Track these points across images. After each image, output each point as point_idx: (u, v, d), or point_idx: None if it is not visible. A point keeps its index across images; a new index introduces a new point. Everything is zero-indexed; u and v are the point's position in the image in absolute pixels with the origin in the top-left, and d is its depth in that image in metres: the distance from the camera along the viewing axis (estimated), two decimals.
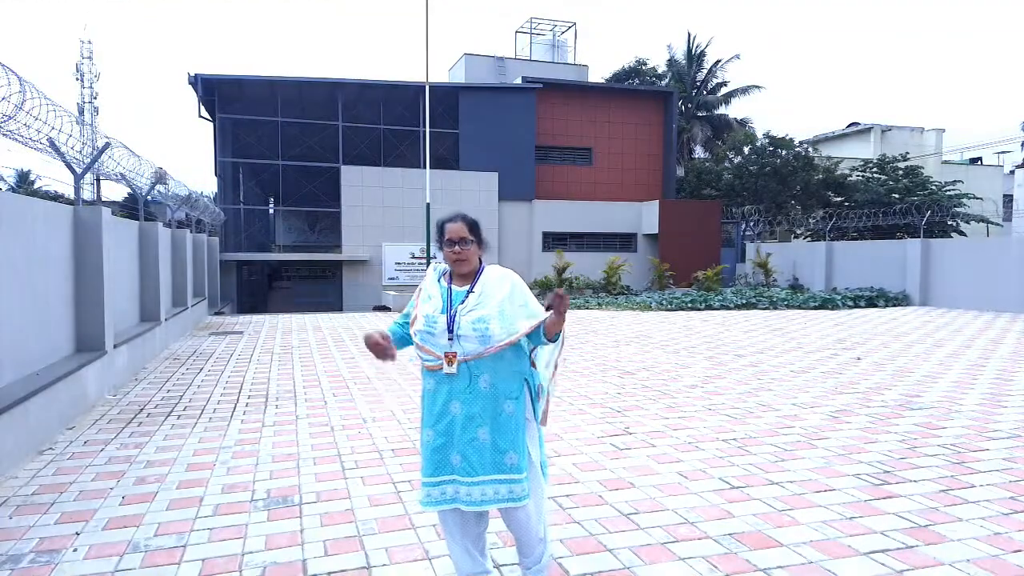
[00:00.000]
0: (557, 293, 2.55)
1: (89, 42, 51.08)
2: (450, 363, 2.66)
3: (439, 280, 2.85)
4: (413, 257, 23.23)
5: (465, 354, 2.65)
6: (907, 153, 29.52)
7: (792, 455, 4.89)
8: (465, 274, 2.81)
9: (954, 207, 26.95)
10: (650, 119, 27.08)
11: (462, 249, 2.76)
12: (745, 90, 35.74)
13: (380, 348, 2.73)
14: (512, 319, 2.68)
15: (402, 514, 3.78)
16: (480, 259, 2.85)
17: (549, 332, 2.66)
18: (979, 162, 40.49)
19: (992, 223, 26.56)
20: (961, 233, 27.69)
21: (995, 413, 6.14)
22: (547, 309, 2.65)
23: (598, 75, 41.18)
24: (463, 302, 2.71)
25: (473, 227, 2.81)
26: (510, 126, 24.45)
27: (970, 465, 4.65)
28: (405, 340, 2.88)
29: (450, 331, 2.67)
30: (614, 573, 3.13)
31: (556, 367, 2.84)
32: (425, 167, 19.04)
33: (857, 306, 17.35)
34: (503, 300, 2.70)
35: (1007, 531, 3.57)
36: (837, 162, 29.84)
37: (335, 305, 22.82)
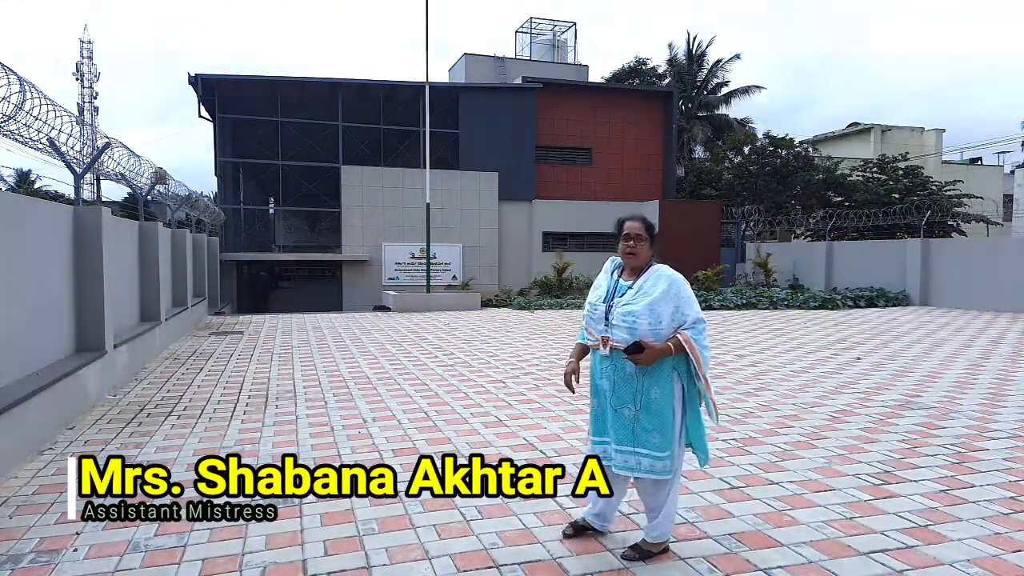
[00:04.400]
0: (638, 351, 2.99)
1: (89, 42, 50.98)
2: (604, 345, 3.12)
3: (612, 272, 3.27)
4: (413, 257, 23.22)
5: (616, 341, 3.07)
6: (907, 153, 29.51)
7: (792, 455, 4.89)
8: (634, 268, 3.19)
9: (954, 207, 26.94)
10: (650, 119, 27.06)
11: (636, 244, 3.14)
12: (745, 90, 35.75)
13: (573, 380, 3.34)
14: (660, 316, 3.03)
15: (402, 514, 3.78)
16: (652, 259, 3.20)
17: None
18: (979, 162, 40.49)
19: (992, 223, 26.53)
20: (961, 233, 27.67)
21: (995, 413, 6.14)
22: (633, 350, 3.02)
23: (598, 75, 41.19)
24: (623, 295, 3.13)
25: (649, 228, 3.18)
26: (510, 126, 24.43)
27: (970, 465, 4.65)
28: None
29: (606, 319, 3.11)
30: (614, 573, 3.13)
31: (705, 378, 3.10)
32: (425, 167, 19.04)
33: (857, 306, 17.34)
34: (655, 299, 3.04)
35: (1007, 531, 3.57)
36: (837, 162, 29.82)
37: (335, 305, 22.81)
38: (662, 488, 3.13)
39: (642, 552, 3.21)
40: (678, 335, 3.01)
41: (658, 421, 3.04)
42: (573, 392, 3.36)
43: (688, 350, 3.00)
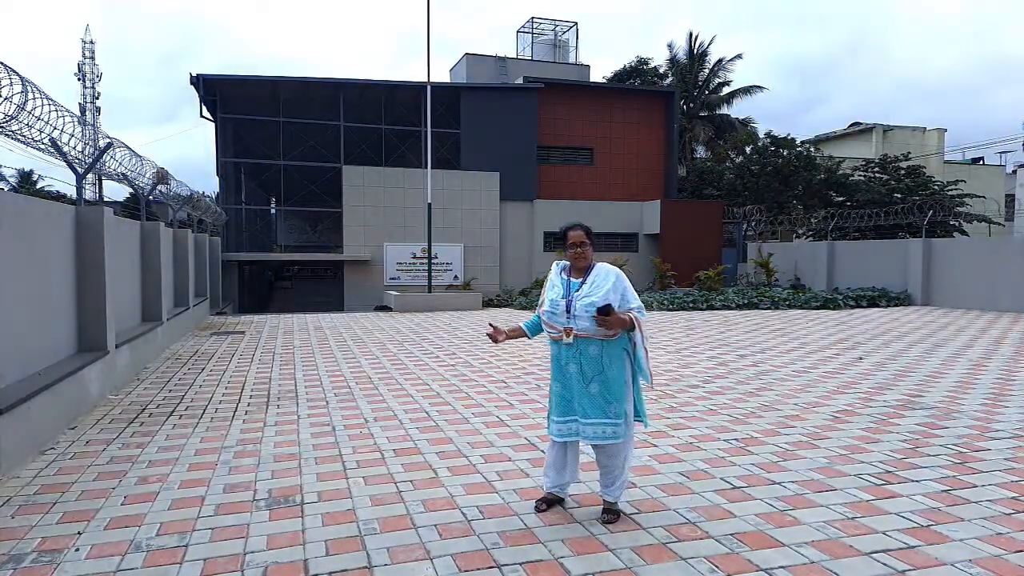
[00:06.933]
0: (607, 313, 3.44)
1: (91, 42, 50.99)
2: (568, 335, 3.58)
3: (560, 273, 3.77)
4: (415, 257, 23.21)
5: (579, 330, 3.55)
6: (909, 153, 29.47)
7: (794, 455, 4.88)
8: (581, 268, 3.70)
9: (956, 207, 26.89)
10: (652, 119, 27.03)
11: (582, 250, 3.67)
12: (747, 90, 35.71)
13: (493, 337, 3.88)
14: (614, 305, 3.51)
15: (403, 514, 3.78)
16: (592, 257, 3.72)
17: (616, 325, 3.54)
18: (981, 162, 40.43)
19: (994, 223, 26.50)
20: (963, 233, 27.64)
21: (997, 413, 6.13)
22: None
23: (600, 75, 41.16)
24: (579, 290, 3.62)
25: (588, 233, 3.71)
26: (511, 126, 24.41)
27: (972, 465, 4.65)
28: (538, 327, 3.87)
29: (568, 311, 3.58)
30: (616, 573, 3.13)
31: (645, 349, 3.66)
32: (427, 167, 19.04)
33: (859, 306, 17.32)
34: (608, 290, 3.56)
35: (1009, 531, 3.56)
36: (839, 162, 29.79)
37: (336, 305, 22.81)
38: (619, 450, 3.64)
39: (613, 512, 3.69)
40: (630, 312, 3.57)
41: (616, 393, 3.58)
42: (487, 331, 3.98)
43: (636, 325, 3.57)
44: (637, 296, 3.66)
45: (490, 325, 4.04)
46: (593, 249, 3.72)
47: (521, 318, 14.95)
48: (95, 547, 3.37)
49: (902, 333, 12.03)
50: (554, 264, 3.86)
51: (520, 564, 3.19)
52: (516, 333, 3.97)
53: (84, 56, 50.18)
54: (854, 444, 5.15)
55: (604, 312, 3.43)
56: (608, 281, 3.59)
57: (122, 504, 3.94)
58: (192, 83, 21.70)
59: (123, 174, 9.09)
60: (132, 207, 15.03)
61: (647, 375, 3.67)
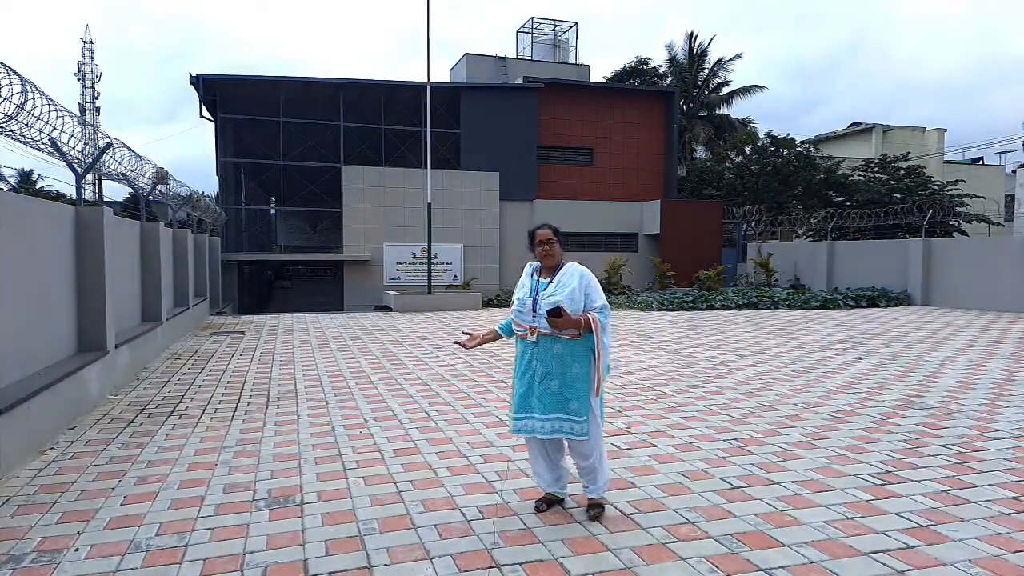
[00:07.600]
0: (557, 315, 3.49)
1: (91, 42, 51.02)
2: (532, 334, 3.65)
3: (531, 274, 3.83)
4: (414, 257, 23.20)
5: (543, 328, 3.60)
6: (908, 153, 29.46)
7: (793, 455, 4.88)
8: (550, 268, 3.75)
9: (955, 207, 26.88)
10: (651, 119, 27.02)
11: (550, 247, 3.73)
12: (747, 90, 35.70)
13: (464, 344, 4.00)
14: (579, 304, 3.60)
15: (403, 514, 3.78)
16: (562, 257, 3.77)
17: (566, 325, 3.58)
18: (981, 162, 40.43)
19: (994, 223, 26.48)
20: (963, 233, 27.63)
21: (996, 413, 6.13)
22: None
23: (600, 75, 41.13)
24: (545, 289, 3.67)
25: (556, 232, 3.78)
26: (511, 126, 24.40)
27: (971, 465, 4.65)
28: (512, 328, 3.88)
29: (533, 310, 3.64)
30: (615, 573, 3.13)
31: (597, 353, 3.60)
32: (426, 167, 19.04)
33: (859, 306, 17.31)
34: (573, 289, 3.61)
35: (1009, 531, 3.56)
36: (838, 162, 29.78)
37: (336, 305, 22.81)
38: (589, 449, 3.66)
39: (598, 507, 3.74)
40: (588, 313, 3.60)
41: (577, 391, 3.60)
42: (459, 340, 4.07)
43: (592, 326, 3.57)
44: (603, 296, 3.68)
45: (464, 333, 4.05)
46: (562, 248, 3.76)
47: None
48: (95, 547, 3.37)
49: (902, 333, 12.03)
50: (527, 265, 3.91)
51: (520, 564, 3.19)
52: (490, 337, 4.01)
53: (84, 56, 50.26)
54: (854, 444, 5.15)
55: (555, 314, 3.47)
56: (573, 280, 3.64)
57: (122, 504, 3.94)
58: (192, 83, 21.69)
59: (123, 174, 9.09)
60: (132, 207, 15.05)
61: (606, 369, 3.66)
